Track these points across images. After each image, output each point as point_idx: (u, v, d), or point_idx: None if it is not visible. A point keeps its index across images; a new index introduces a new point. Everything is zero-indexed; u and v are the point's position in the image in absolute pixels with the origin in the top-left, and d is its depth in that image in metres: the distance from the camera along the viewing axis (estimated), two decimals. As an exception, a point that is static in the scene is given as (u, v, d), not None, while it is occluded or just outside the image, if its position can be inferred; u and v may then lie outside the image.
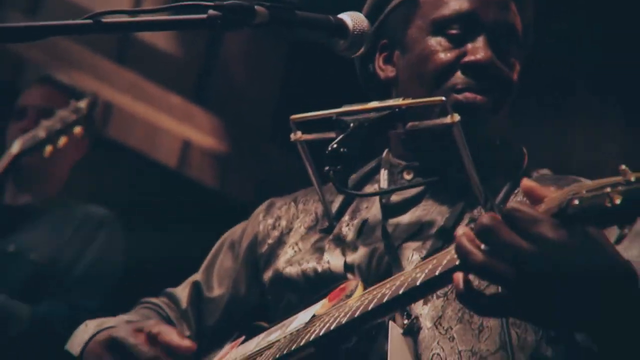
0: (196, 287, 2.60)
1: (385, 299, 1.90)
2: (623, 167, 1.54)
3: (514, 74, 2.36)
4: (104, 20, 2.01)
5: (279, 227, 2.52)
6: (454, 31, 2.34)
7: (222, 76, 6.77)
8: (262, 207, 2.62)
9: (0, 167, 4.00)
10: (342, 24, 2.19)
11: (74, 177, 4.49)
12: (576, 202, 1.57)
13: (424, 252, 2.21)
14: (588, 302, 1.62)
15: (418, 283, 1.82)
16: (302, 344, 2.02)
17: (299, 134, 2.37)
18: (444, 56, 2.32)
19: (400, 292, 1.86)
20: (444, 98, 2.24)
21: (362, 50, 2.23)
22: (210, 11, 2.04)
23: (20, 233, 4.21)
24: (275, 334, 2.19)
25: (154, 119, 6.34)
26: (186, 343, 2.15)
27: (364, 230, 2.36)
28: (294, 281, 2.34)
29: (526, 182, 1.67)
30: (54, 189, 4.41)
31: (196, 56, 6.70)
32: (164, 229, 5.46)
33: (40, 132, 3.99)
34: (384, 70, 2.46)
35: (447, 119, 2.23)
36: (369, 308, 1.92)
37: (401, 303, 1.93)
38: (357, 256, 2.30)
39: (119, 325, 2.34)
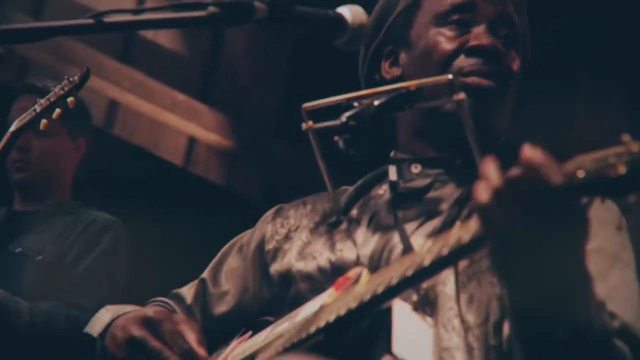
0: (202, 284, 2.61)
1: (394, 281, 1.93)
2: (625, 136, 1.57)
3: (515, 64, 2.40)
4: (106, 19, 2.03)
5: (287, 225, 2.53)
6: (455, 22, 2.39)
7: (227, 73, 6.78)
8: (271, 211, 2.63)
9: (0, 145, 4.03)
10: (341, 17, 2.21)
11: (80, 176, 4.51)
12: (581, 173, 1.60)
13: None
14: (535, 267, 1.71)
15: (426, 263, 1.86)
16: (312, 331, 2.04)
17: (310, 122, 2.35)
18: (448, 44, 2.37)
19: (410, 273, 1.90)
20: (450, 76, 2.26)
21: (361, 43, 2.25)
22: (210, 8, 2.06)
23: (28, 236, 4.22)
24: (283, 326, 2.19)
25: (159, 116, 6.35)
26: (201, 351, 2.19)
27: (374, 221, 2.38)
28: (307, 274, 2.35)
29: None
30: (60, 195, 4.42)
31: (200, 53, 6.71)
32: (171, 226, 5.47)
33: (36, 109, 4.01)
34: (390, 72, 2.50)
35: (453, 98, 2.24)
36: (379, 291, 1.95)
37: (410, 284, 1.94)
38: (369, 246, 2.32)
39: (147, 307, 2.36)
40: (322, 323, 2.04)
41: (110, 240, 4.29)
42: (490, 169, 1.73)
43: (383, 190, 2.45)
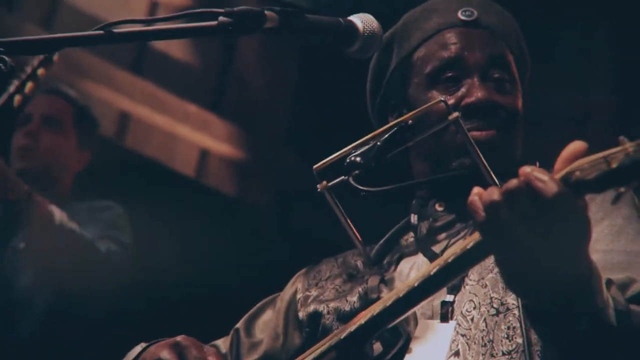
0: (236, 334, 2.65)
1: (402, 293, 1.98)
2: (622, 137, 1.66)
3: (514, 102, 2.47)
4: (116, 30, 2.03)
5: (318, 277, 2.59)
6: (447, 79, 2.46)
7: (238, 84, 6.78)
8: (303, 269, 2.68)
9: None
10: (352, 26, 2.20)
11: (92, 187, 4.52)
12: (577, 172, 1.70)
13: None
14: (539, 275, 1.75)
15: (432, 273, 1.92)
16: (324, 349, 2.10)
17: (324, 183, 2.38)
18: (444, 105, 2.39)
19: (416, 284, 1.95)
20: (442, 98, 2.37)
21: (372, 52, 2.26)
22: (221, 17, 2.06)
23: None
24: (306, 356, 2.23)
25: (171, 128, 6.35)
26: None
27: (402, 258, 2.46)
28: (335, 307, 2.43)
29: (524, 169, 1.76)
30: (59, 193, 4.42)
31: (211, 65, 6.71)
32: (183, 238, 5.47)
33: (10, 87, 4.04)
34: None
35: (449, 118, 2.30)
36: (388, 304, 2.00)
37: (419, 295, 1.98)
38: (396, 272, 2.41)
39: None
40: (334, 341, 2.09)
41: (111, 216, 4.34)
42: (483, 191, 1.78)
43: (411, 238, 2.49)
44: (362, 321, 2.04)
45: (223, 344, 2.63)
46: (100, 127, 4.70)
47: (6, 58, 1.96)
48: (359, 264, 2.53)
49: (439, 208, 2.45)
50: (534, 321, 1.90)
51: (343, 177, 2.32)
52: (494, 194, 1.74)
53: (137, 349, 2.43)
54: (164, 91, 6.37)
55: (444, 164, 2.43)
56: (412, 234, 2.50)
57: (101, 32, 2.03)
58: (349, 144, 2.37)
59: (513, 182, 1.73)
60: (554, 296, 1.79)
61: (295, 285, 2.61)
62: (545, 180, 1.70)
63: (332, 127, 2.46)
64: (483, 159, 2.27)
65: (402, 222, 2.56)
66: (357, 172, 2.29)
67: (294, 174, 6.58)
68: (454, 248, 1.91)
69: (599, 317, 1.83)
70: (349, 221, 2.39)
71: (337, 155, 2.37)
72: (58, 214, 4.04)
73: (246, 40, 6.47)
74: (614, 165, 1.64)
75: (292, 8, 2.12)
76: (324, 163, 2.38)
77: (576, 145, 1.73)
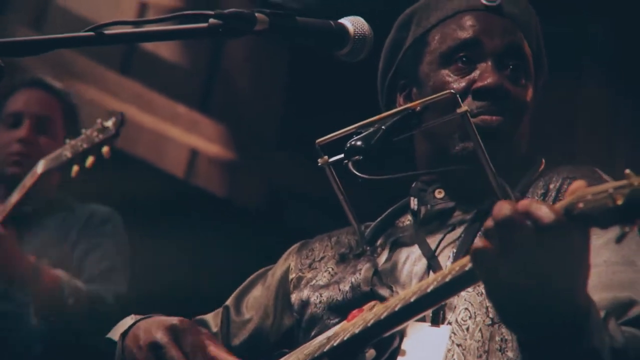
0: (226, 311, 2.63)
1: (397, 308, 1.96)
2: (628, 171, 1.61)
3: (525, 94, 2.45)
4: (106, 31, 2.03)
5: (311, 257, 2.57)
6: (461, 60, 2.43)
7: (227, 84, 6.78)
8: (296, 244, 2.67)
9: (25, 187, 3.97)
10: (343, 28, 2.20)
11: (81, 187, 4.49)
12: (581, 205, 1.64)
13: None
14: (534, 313, 1.73)
15: (428, 290, 1.90)
16: (316, 355, 2.09)
17: (325, 157, 2.38)
18: (455, 85, 2.41)
19: (412, 300, 1.93)
20: (452, 90, 2.34)
21: (362, 55, 2.25)
22: (211, 20, 2.06)
23: (27, 239, 4.19)
24: (294, 356, 2.24)
25: (160, 128, 6.35)
26: None
27: (397, 243, 2.44)
28: (327, 297, 2.41)
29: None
30: (47, 194, 4.39)
31: (200, 65, 6.71)
32: (173, 239, 5.47)
33: (67, 152, 3.95)
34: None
35: (457, 111, 2.30)
36: (382, 317, 1.99)
37: (413, 311, 1.97)
38: (389, 262, 2.38)
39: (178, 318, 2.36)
40: (326, 347, 2.08)
41: (113, 229, 4.30)
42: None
43: (408, 221, 2.47)
44: (356, 331, 2.03)
45: (213, 321, 2.61)
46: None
47: (-4, 59, 1.97)
48: (353, 243, 2.51)
49: (438, 195, 2.44)
50: (527, 354, 1.86)
51: (344, 159, 2.30)
52: (490, 221, 1.72)
53: (128, 321, 2.40)
54: (152, 92, 6.36)
55: (448, 148, 2.41)
56: (408, 216, 2.49)
57: (92, 33, 2.03)
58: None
59: (509, 211, 1.70)
60: (548, 334, 1.76)
61: (288, 263, 2.59)
62: (543, 209, 1.67)
63: (322, 127, 2.44)
64: (487, 156, 2.27)
65: (400, 203, 2.56)
66: (357, 157, 2.27)
67: (284, 173, 6.58)
68: (453, 265, 1.88)
69: (594, 357, 1.80)
70: (346, 198, 2.39)
71: (342, 132, 2.35)
72: (65, 277, 4.01)
73: (235, 40, 6.47)
74: (619, 202, 1.59)
75: (283, 10, 2.12)
76: (327, 138, 2.38)
77: (578, 184, 1.70)
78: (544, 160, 2.47)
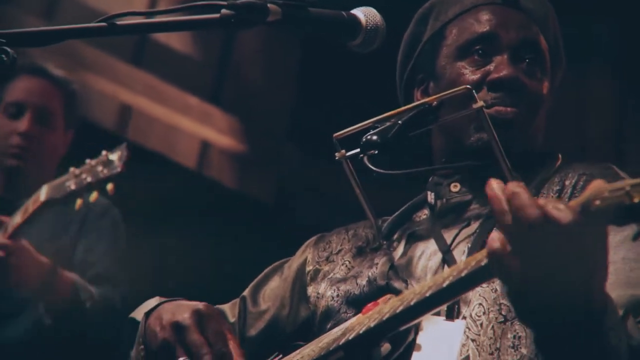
0: (243, 302, 2.63)
1: (413, 302, 1.95)
2: None
3: (541, 87, 2.46)
4: (118, 22, 2.03)
5: (328, 249, 2.58)
6: (477, 53, 2.45)
7: (239, 76, 6.78)
8: (313, 237, 2.68)
9: (28, 212, 3.94)
10: (355, 19, 2.20)
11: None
12: (598, 202, 1.63)
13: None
14: (550, 307, 1.71)
15: (444, 285, 1.88)
16: (331, 348, 2.07)
17: (342, 151, 2.37)
18: (471, 77, 2.43)
19: (428, 294, 1.91)
20: (468, 86, 2.34)
21: (375, 46, 2.25)
22: (223, 10, 2.05)
23: (24, 229, 4.17)
24: (310, 348, 2.22)
25: (171, 120, 6.35)
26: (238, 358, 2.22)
27: (413, 236, 2.45)
28: (344, 291, 2.41)
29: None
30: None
31: (212, 57, 6.71)
32: (185, 231, 5.47)
33: (70, 184, 3.89)
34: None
35: (473, 106, 2.30)
36: (397, 311, 1.98)
37: (428, 305, 1.96)
38: (405, 257, 2.38)
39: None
40: (342, 340, 2.06)
41: (112, 224, 4.29)
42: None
43: (425, 215, 2.47)
44: (372, 324, 2.02)
45: (230, 311, 2.61)
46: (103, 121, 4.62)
47: (8, 49, 1.96)
48: (370, 236, 2.52)
49: (454, 189, 2.44)
50: (542, 352, 1.87)
51: (360, 153, 2.30)
52: (508, 216, 1.70)
53: (152, 302, 2.40)
54: (164, 83, 6.36)
55: (463, 139, 2.42)
56: (425, 210, 2.50)
57: (104, 24, 2.03)
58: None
59: (528, 209, 1.68)
60: (564, 331, 1.75)
61: (305, 255, 2.60)
62: (561, 208, 1.65)
63: (334, 119, 2.44)
64: (502, 151, 2.27)
65: (418, 198, 2.56)
66: (373, 151, 2.28)
67: (295, 165, 6.58)
68: (468, 260, 1.87)
69: (610, 354, 1.80)
70: (362, 192, 2.39)
71: (359, 127, 2.35)
72: (79, 281, 4.00)
73: (247, 32, 6.46)
74: (635, 200, 1.58)
75: (295, 1, 2.11)
76: (344, 132, 2.37)
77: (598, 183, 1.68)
78: (560, 156, 2.46)
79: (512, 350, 2.11)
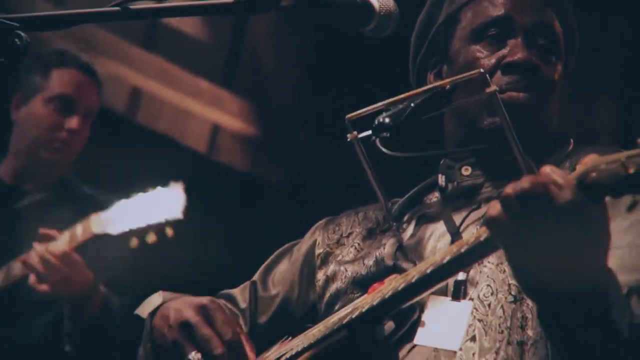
0: (253, 287, 2.64)
1: (414, 279, 1.98)
2: None
3: (554, 72, 2.45)
4: (131, 6, 2.03)
5: (338, 232, 2.59)
6: (492, 36, 2.44)
7: (250, 60, 6.78)
8: (322, 220, 2.68)
9: (86, 234, 3.94)
10: (368, 4, 2.19)
11: (103, 163, 4.50)
12: (594, 174, 1.66)
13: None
14: (553, 280, 1.75)
15: (444, 261, 1.92)
16: (336, 327, 2.10)
17: (354, 133, 2.37)
18: (485, 61, 2.42)
19: (428, 271, 1.95)
20: (481, 70, 2.34)
21: (388, 31, 2.25)
22: (237, -5, 2.05)
23: (36, 236, 4.17)
24: (316, 329, 2.23)
25: (182, 104, 6.36)
26: (249, 345, 2.23)
27: (423, 218, 2.46)
28: (353, 273, 2.42)
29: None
30: (63, 174, 4.39)
31: (223, 40, 6.71)
32: (196, 215, 5.48)
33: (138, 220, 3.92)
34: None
35: (486, 90, 2.28)
36: (399, 289, 2.00)
37: (429, 282, 1.97)
38: (414, 238, 2.40)
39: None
40: (345, 320, 2.09)
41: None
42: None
43: (435, 197, 2.48)
44: (374, 303, 2.04)
45: (241, 297, 2.62)
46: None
47: (22, 33, 1.97)
48: (380, 218, 2.53)
49: (464, 172, 2.44)
50: (545, 325, 1.89)
51: (372, 135, 2.30)
52: (509, 189, 1.74)
53: (156, 298, 2.41)
54: (176, 67, 6.36)
55: (476, 122, 2.42)
56: (436, 193, 2.50)
57: (116, 8, 2.03)
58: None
59: (529, 184, 1.72)
60: (565, 305, 1.78)
61: (315, 238, 2.61)
62: (561, 185, 1.68)
63: (345, 104, 2.44)
64: (515, 136, 2.26)
65: (429, 180, 2.56)
66: (385, 134, 2.27)
67: (306, 149, 6.59)
68: (468, 238, 1.90)
69: (612, 330, 1.81)
70: (374, 174, 2.39)
71: (371, 109, 2.35)
72: (108, 295, 4.02)
73: (259, 16, 6.46)
74: (631, 171, 1.60)
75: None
76: (357, 114, 2.37)
77: (592, 157, 1.71)
78: (572, 141, 2.46)
79: (521, 330, 2.12)
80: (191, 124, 6.39)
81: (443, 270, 1.94)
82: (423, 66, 2.60)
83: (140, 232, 3.85)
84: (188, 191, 5.22)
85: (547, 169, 1.72)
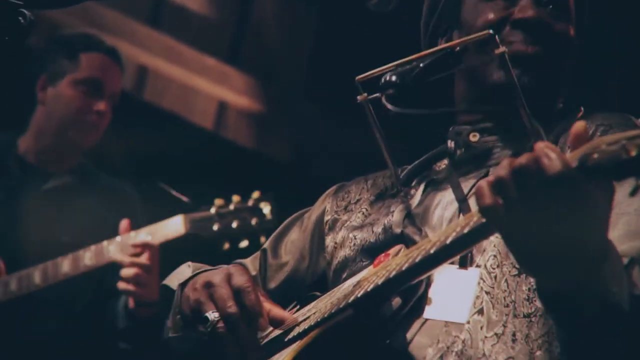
0: (263, 254, 2.65)
1: (417, 259, 1.97)
2: None
3: (566, 32, 2.42)
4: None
5: (347, 199, 2.58)
6: None
7: (256, 36, 6.77)
8: (333, 187, 2.67)
9: (163, 239, 3.93)
10: (371, -23, 2.19)
11: (111, 141, 4.50)
12: (595, 155, 1.62)
13: None
14: (555, 257, 1.73)
15: (447, 242, 1.89)
16: (341, 306, 2.08)
17: (364, 95, 2.35)
18: (494, 15, 2.40)
19: (432, 251, 1.93)
20: (491, 31, 2.30)
21: (392, 5, 2.24)
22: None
23: (67, 214, 4.18)
24: (324, 302, 2.24)
25: (189, 81, 6.35)
26: (266, 306, 2.23)
27: (431, 185, 2.44)
28: (361, 240, 2.41)
29: (578, 125, 1.72)
30: (76, 159, 4.41)
31: (229, 17, 6.70)
32: (202, 191, 5.49)
33: (214, 224, 3.90)
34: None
35: (495, 52, 2.27)
36: (403, 269, 1.99)
37: (433, 262, 1.97)
38: (422, 205, 2.38)
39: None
40: (351, 298, 2.08)
41: (140, 209, 4.31)
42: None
43: (444, 164, 2.47)
44: (379, 282, 2.03)
45: (251, 264, 2.63)
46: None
47: (26, 12, 1.96)
48: (389, 184, 2.52)
49: (472, 138, 2.43)
50: (544, 301, 1.88)
51: (378, 92, 2.29)
52: (502, 170, 1.72)
53: (185, 269, 2.42)
54: (182, 44, 6.36)
55: (485, 77, 2.39)
56: (445, 160, 2.48)
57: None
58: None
59: (523, 158, 1.70)
60: (562, 279, 1.77)
61: (324, 205, 2.60)
62: (552, 157, 1.66)
63: (351, 78, 2.43)
64: (524, 100, 2.24)
65: (439, 148, 2.54)
66: (391, 91, 2.26)
67: (312, 125, 6.58)
68: (470, 214, 1.87)
69: (611, 302, 1.80)
70: (383, 137, 2.38)
71: (382, 70, 2.33)
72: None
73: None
74: (632, 154, 1.56)
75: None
76: (367, 75, 2.35)
77: (578, 127, 1.70)
78: (582, 108, 2.45)
79: (527, 302, 2.11)
80: (197, 101, 6.39)
81: (446, 251, 1.91)
82: (434, 36, 2.58)
83: (230, 237, 3.85)
84: (194, 167, 5.23)
85: (541, 144, 1.70)
